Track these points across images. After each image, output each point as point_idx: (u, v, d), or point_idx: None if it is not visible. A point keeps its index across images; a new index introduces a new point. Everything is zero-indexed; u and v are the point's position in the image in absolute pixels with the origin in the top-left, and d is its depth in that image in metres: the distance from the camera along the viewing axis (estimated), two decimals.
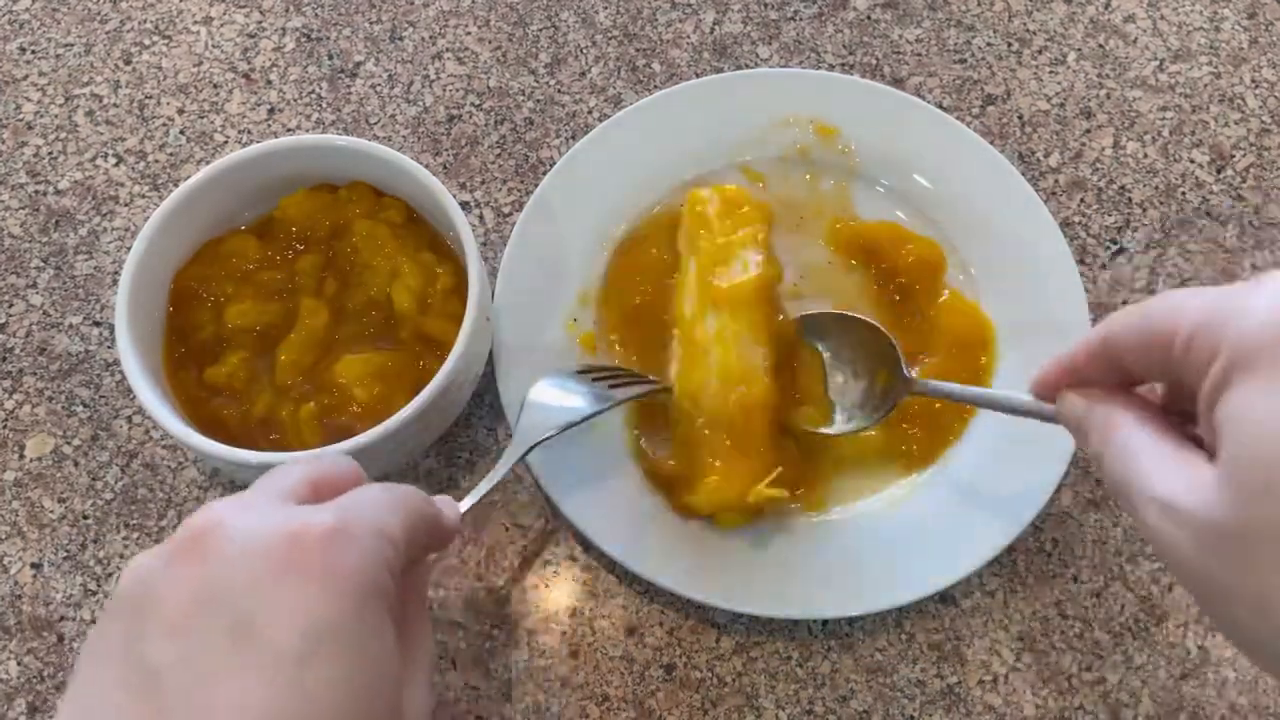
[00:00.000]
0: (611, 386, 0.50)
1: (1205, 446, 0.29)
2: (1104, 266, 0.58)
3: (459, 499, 0.52)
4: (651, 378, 0.52)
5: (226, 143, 0.62)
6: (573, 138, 0.61)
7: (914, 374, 0.50)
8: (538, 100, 0.63)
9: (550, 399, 0.49)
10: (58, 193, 0.61)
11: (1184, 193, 0.60)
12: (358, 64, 0.65)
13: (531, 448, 0.47)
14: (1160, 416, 0.32)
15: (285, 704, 0.28)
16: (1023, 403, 0.40)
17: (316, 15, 0.66)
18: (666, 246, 0.56)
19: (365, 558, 0.31)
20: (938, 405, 0.53)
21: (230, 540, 0.30)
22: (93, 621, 0.50)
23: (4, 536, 0.52)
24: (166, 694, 0.28)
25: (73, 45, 0.66)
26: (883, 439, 0.52)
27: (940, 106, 0.62)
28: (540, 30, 0.65)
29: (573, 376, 0.50)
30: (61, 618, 0.50)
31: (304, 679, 0.28)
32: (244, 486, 0.52)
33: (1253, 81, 0.64)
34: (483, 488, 0.45)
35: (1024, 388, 0.52)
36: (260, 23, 0.66)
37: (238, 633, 0.28)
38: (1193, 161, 0.61)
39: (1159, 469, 0.29)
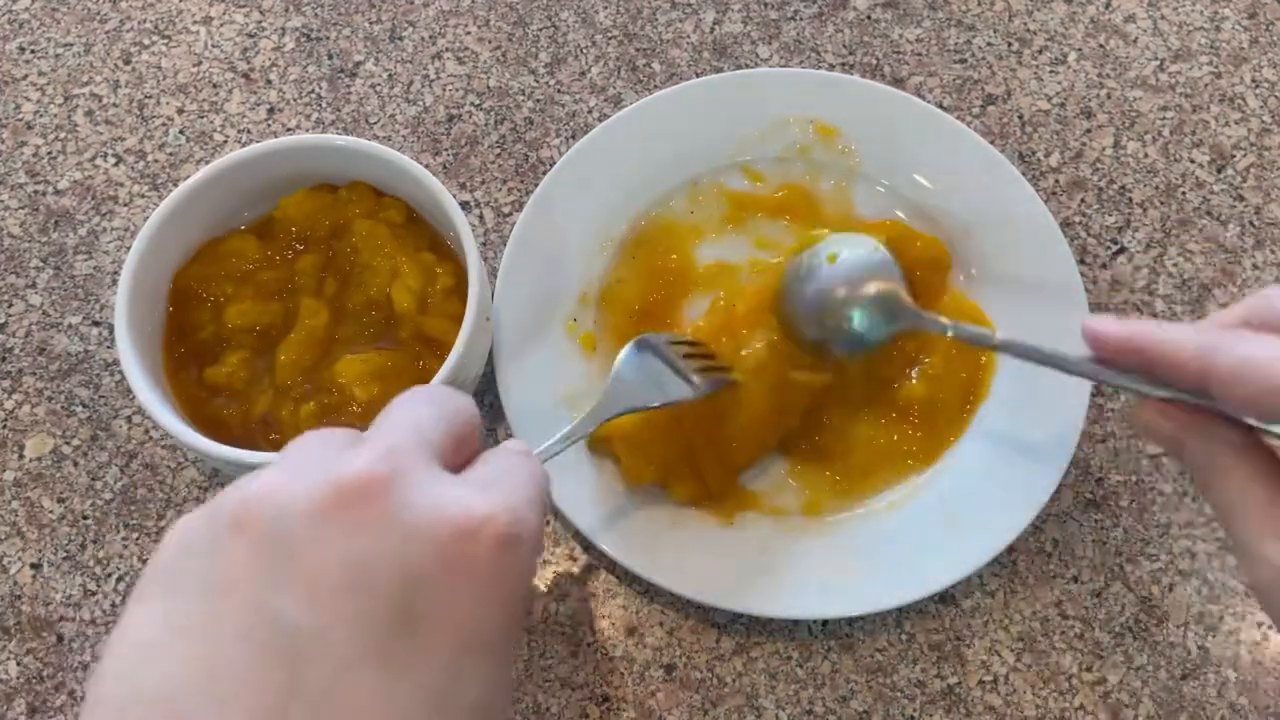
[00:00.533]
0: (698, 370, 0.49)
1: None
2: (1104, 266, 0.58)
3: None
4: (724, 366, 0.50)
5: (226, 143, 0.62)
6: (573, 138, 0.61)
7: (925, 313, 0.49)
8: (538, 100, 0.63)
9: (645, 373, 0.48)
10: (57, 193, 0.61)
11: (1184, 193, 0.60)
12: (358, 64, 0.64)
13: (615, 415, 0.46)
14: (1268, 458, 0.32)
15: (425, 714, 0.26)
16: (1074, 362, 0.40)
17: (316, 15, 0.66)
18: (676, 249, 0.57)
19: (527, 568, 0.30)
20: (938, 401, 0.53)
21: (401, 514, 0.27)
22: (93, 622, 0.50)
23: (3, 536, 0.52)
24: (303, 668, 0.25)
25: (72, 45, 0.66)
26: (883, 439, 0.52)
27: (940, 106, 0.62)
28: (540, 30, 0.65)
29: (664, 351, 0.49)
30: (61, 618, 0.50)
31: (450, 694, 0.27)
32: None
33: (1253, 81, 0.64)
34: (559, 443, 0.44)
35: (1022, 392, 0.52)
36: (260, 23, 0.66)
37: (394, 626, 0.26)
38: (1193, 161, 0.61)
39: (1275, 533, 0.30)
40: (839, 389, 0.53)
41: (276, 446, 0.47)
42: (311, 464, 0.28)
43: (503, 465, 0.32)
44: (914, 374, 0.53)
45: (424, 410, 0.32)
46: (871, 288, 0.49)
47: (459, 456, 0.32)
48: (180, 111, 0.63)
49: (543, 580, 0.51)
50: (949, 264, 0.56)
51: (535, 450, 0.40)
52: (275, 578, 0.26)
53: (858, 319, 0.49)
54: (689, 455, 0.50)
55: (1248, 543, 0.31)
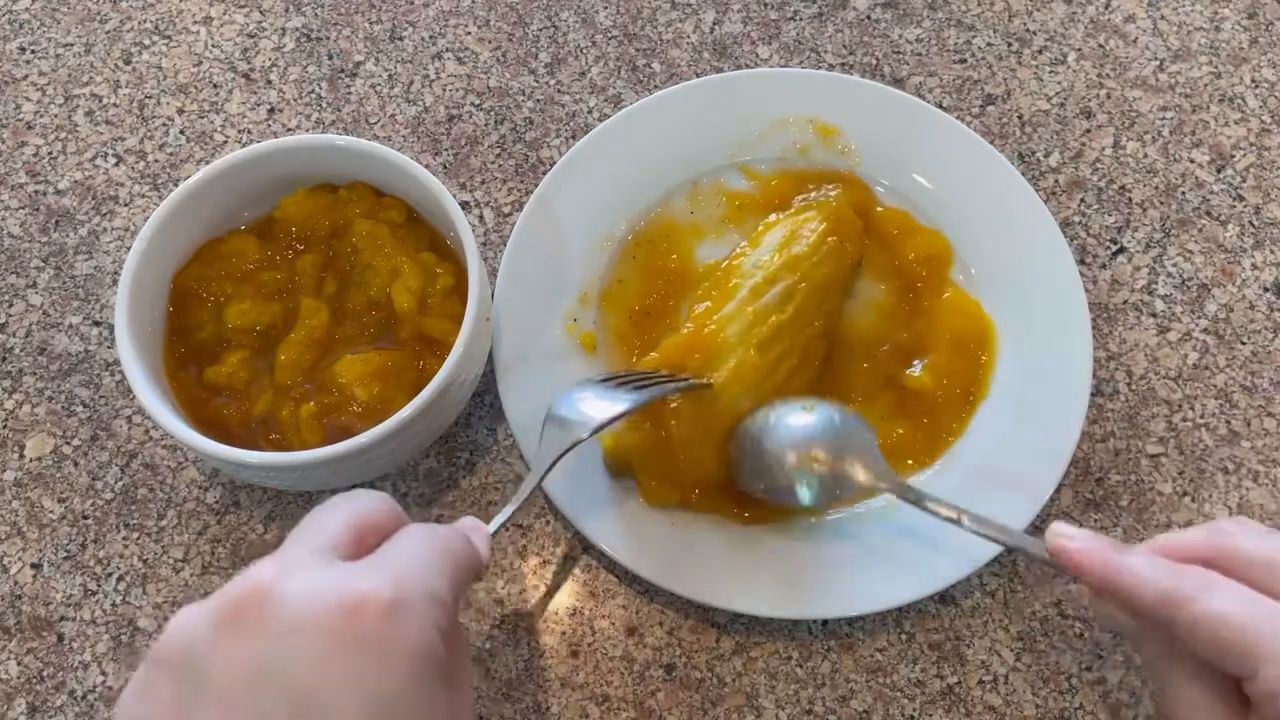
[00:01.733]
0: (638, 388, 0.47)
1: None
2: (1104, 266, 0.58)
3: (461, 501, 0.52)
4: (683, 376, 0.49)
5: (226, 143, 0.62)
6: (573, 138, 0.61)
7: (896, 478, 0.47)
8: (538, 100, 0.63)
9: (576, 406, 0.46)
10: (58, 193, 0.61)
11: (1184, 193, 0.60)
12: (358, 64, 0.65)
13: (559, 457, 0.44)
14: (1220, 697, 0.34)
15: None
16: (1029, 546, 0.41)
17: (316, 15, 0.66)
18: (676, 249, 0.57)
19: (422, 629, 0.30)
20: (938, 400, 0.53)
21: (283, 610, 0.29)
22: (93, 622, 0.50)
23: (4, 536, 0.52)
24: None
25: (73, 45, 0.66)
26: (882, 438, 0.52)
27: (940, 106, 0.62)
28: (540, 30, 0.65)
29: (597, 384, 0.47)
30: (61, 618, 0.50)
31: None
32: (244, 486, 0.53)
33: (1253, 81, 0.64)
34: (510, 509, 0.43)
35: (1022, 392, 0.52)
36: (260, 23, 0.66)
37: (297, 711, 0.28)
38: (1193, 161, 0.61)
39: None
40: (839, 388, 0.53)
41: (277, 446, 0.48)
42: (216, 592, 0.31)
43: (401, 543, 0.33)
44: (917, 366, 0.53)
45: (325, 515, 0.34)
46: (820, 460, 0.47)
47: (362, 547, 0.33)
48: (180, 111, 0.63)
49: (543, 580, 0.51)
50: (950, 259, 0.56)
51: (490, 524, 0.41)
52: (190, 701, 0.29)
53: (804, 494, 0.47)
54: (708, 477, 0.50)
55: None
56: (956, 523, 0.44)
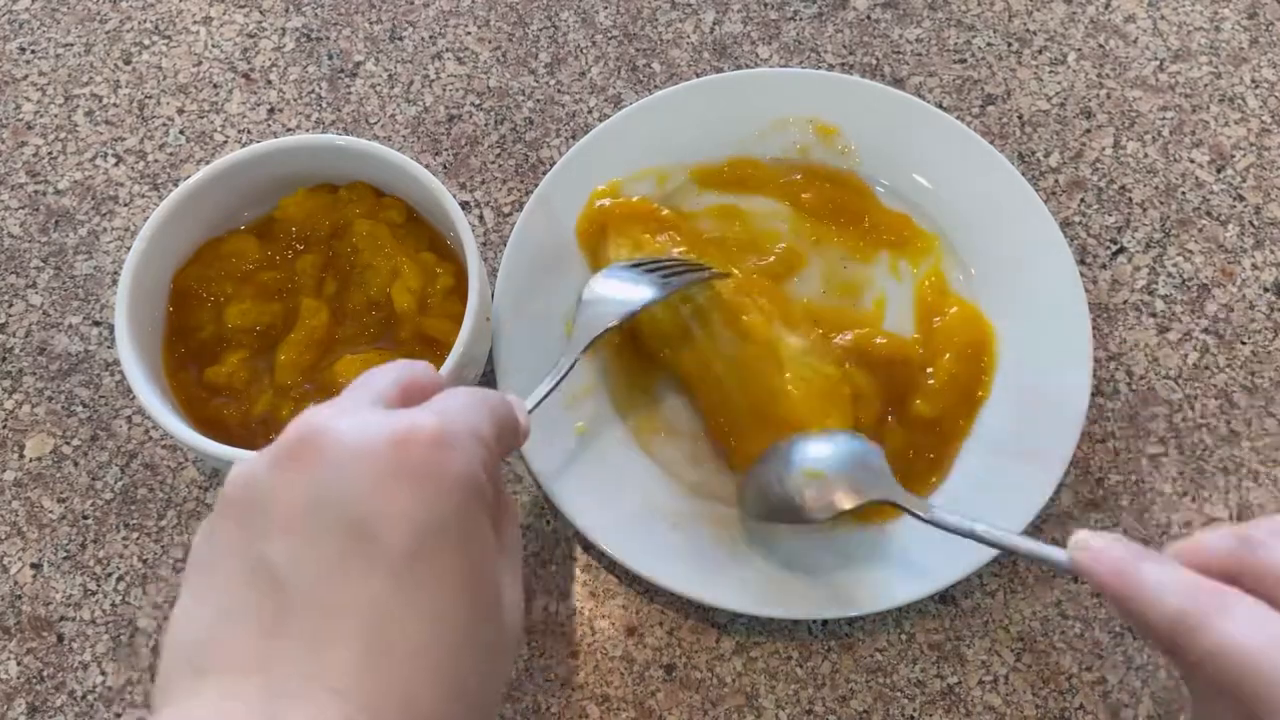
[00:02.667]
0: (665, 277, 0.50)
1: None
2: (1104, 266, 0.58)
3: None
4: (705, 264, 0.51)
5: (226, 143, 0.62)
6: (573, 138, 0.61)
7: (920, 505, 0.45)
8: (538, 100, 0.63)
9: (608, 291, 0.49)
10: (57, 193, 0.61)
11: (1184, 193, 0.60)
12: (358, 64, 0.65)
13: (595, 339, 0.47)
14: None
15: (401, 596, 0.30)
16: (1051, 555, 0.38)
17: (316, 15, 0.66)
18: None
19: (467, 460, 0.32)
20: (940, 404, 0.53)
21: (338, 444, 0.31)
22: (93, 622, 0.50)
23: (4, 536, 0.52)
24: (290, 589, 0.29)
25: (73, 45, 0.66)
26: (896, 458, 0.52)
27: (940, 106, 0.62)
28: (540, 30, 0.65)
29: (627, 269, 0.50)
30: (61, 618, 0.50)
31: (416, 573, 0.30)
32: None
33: (1253, 81, 0.64)
34: (546, 385, 0.45)
35: (1022, 392, 0.52)
36: (260, 23, 0.66)
37: (353, 533, 0.30)
38: (1193, 161, 0.61)
39: None
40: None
41: None
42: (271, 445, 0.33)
43: (447, 394, 0.36)
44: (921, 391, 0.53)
45: (374, 374, 0.36)
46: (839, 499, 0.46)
47: (409, 401, 0.35)
48: (180, 111, 0.63)
49: (543, 580, 0.51)
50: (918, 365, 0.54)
51: (528, 400, 0.43)
52: (257, 532, 0.31)
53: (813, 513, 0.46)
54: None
55: None
56: (974, 536, 0.42)
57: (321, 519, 0.30)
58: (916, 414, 0.52)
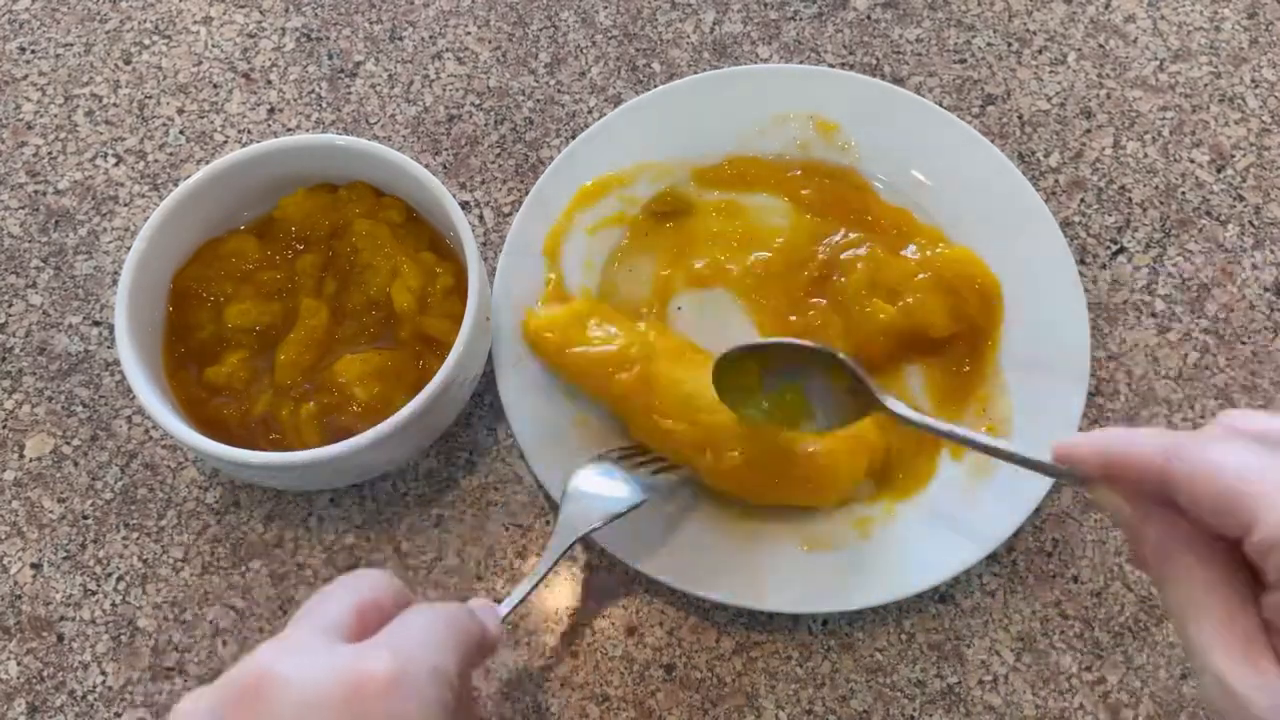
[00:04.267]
0: (654, 473, 0.49)
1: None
2: (1104, 266, 0.58)
3: (461, 501, 0.52)
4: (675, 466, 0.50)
5: (226, 143, 0.62)
6: (573, 137, 0.61)
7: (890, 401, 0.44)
8: (538, 100, 0.63)
9: (594, 488, 0.48)
10: (57, 193, 0.61)
11: (1184, 193, 0.60)
12: (358, 64, 0.64)
13: (575, 542, 0.46)
14: (1230, 575, 0.30)
15: None
16: (1038, 460, 0.37)
17: (316, 15, 0.66)
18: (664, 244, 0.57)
19: (426, 706, 0.30)
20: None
21: (285, 694, 0.29)
22: (93, 621, 0.50)
23: (4, 536, 0.52)
24: None
25: (73, 45, 0.66)
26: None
27: (940, 106, 0.62)
28: (540, 30, 0.65)
29: (615, 464, 0.49)
30: (61, 618, 0.50)
31: None
32: (244, 486, 0.53)
33: (1253, 81, 0.64)
34: (524, 587, 0.44)
35: (1021, 389, 0.52)
36: (260, 23, 0.66)
37: None
38: (1193, 161, 0.61)
39: (1227, 650, 0.29)
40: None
41: (277, 446, 0.48)
42: (219, 678, 0.31)
43: (405, 621, 0.33)
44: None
45: (327, 597, 0.34)
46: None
47: (365, 628, 0.33)
48: (180, 111, 0.63)
49: (543, 580, 0.51)
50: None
51: (502, 606, 0.41)
52: None
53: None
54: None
55: (1200, 651, 0.29)
56: (955, 437, 0.42)
57: None
58: (936, 332, 0.53)
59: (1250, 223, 0.59)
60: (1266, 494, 0.28)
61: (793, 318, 0.55)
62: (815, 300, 0.55)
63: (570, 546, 0.46)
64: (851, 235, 0.56)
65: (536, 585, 0.44)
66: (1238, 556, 0.30)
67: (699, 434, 0.48)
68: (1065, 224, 0.59)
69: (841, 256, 0.55)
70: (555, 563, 0.45)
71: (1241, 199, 0.60)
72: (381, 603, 0.34)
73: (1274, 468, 0.29)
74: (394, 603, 0.34)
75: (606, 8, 0.66)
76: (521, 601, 0.43)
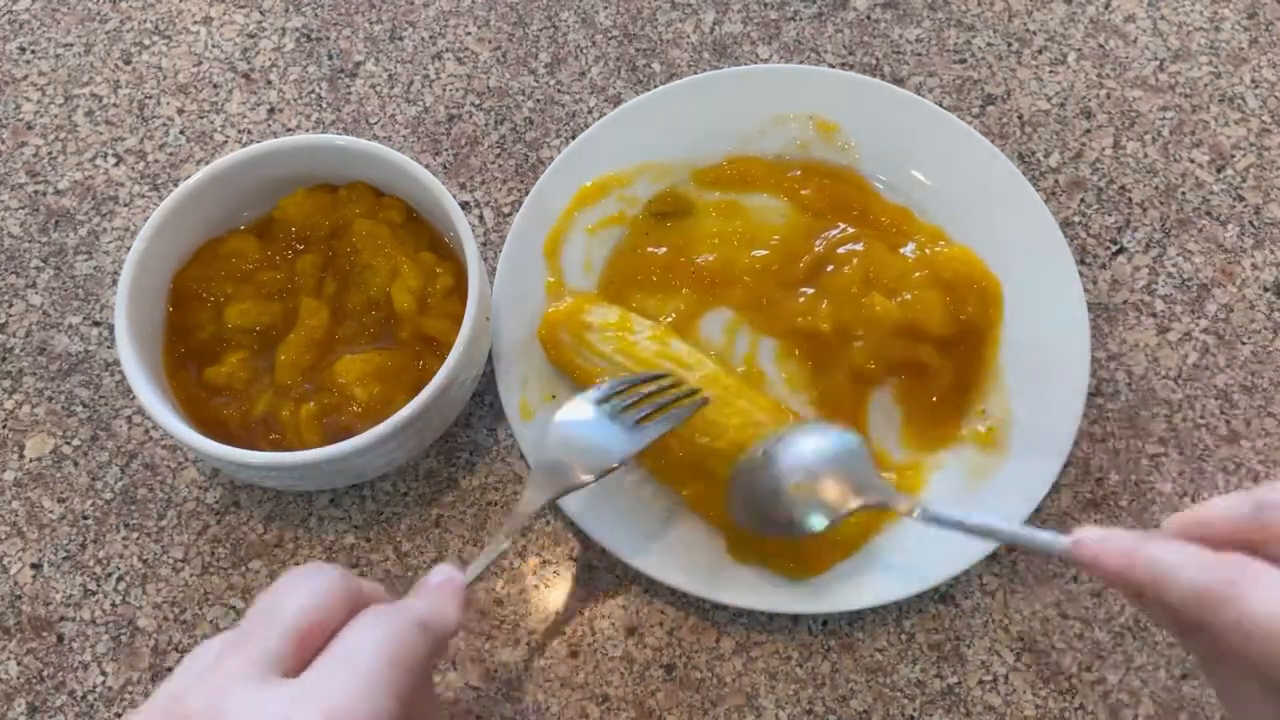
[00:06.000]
0: (639, 421, 0.46)
1: None
2: (1104, 266, 0.58)
3: (461, 501, 0.52)
4: (688, 388, 0.48)
5: (226, 143, 0.62)
6: (573, 137, 0.61)
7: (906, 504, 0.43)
8: (538, 100, 0.63)
9: (574, 437, 0.45)
10: (57, 193, 0.61)
11: (1184, 193, 0.60)
12: (358, 64, 0.65)
13: (544, 506, 0.44)
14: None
15: None
16: (1046, 543, 0.36)
17: (316, 15, 0.66)
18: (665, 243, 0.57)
19: None
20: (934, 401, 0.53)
21: None
22: (93, 622, 0.50)
23: (4, 536, 0.52)
24: None
25: (73, 45, 0.66)
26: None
27: (940, 106, 0.62)
28: (540, 30, 0.65)
29: (594, 404, 0.46)
30: (61, 618, 0.50)
31: None
32: (244, 486, 0.53)
33: (1253, 81, 0.64)
34: (486, 556, 0.42)
35: (1021, 389, 0.52)
36: (260, 23, 0.66)
37: None
38: (1193, 161, 0.61)
39: None
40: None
41: (276, 446, 0.48)
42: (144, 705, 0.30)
43: (346, 652, 0.32)
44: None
45: (269, 615, 0.32)
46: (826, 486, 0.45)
47: (307, 651, 0.32)
48: (180, 111, 0.63)
49: (543, 580, 0.51)
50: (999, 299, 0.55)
51: (465, 574, 0.39)
52: None
53: (814, 522, 0.45)
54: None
55: None
56: (965, 528, 0.41)
57: None
58: (927, 359, 0.53)
59: (1250, 223, 0.59)
60: None
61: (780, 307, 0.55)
62: (804, 290, 0.55)
63: (542, 507, 0.44)
64: (849, 230, 0.56)
65: (498, 556, 0.42)
66: None
67: (698, 459, 0.49)
68: (1065, 224, 0.59)
69: (838, 251, 0.55)
70: (520, 529, 0.43)
71: (1241, 199, 0.60)
72: (326, 620, 0.33)
73: None
74: (343, 606, 0.33)
75: (606, 8, 0.66)
76: (485, 569, 0.42)
